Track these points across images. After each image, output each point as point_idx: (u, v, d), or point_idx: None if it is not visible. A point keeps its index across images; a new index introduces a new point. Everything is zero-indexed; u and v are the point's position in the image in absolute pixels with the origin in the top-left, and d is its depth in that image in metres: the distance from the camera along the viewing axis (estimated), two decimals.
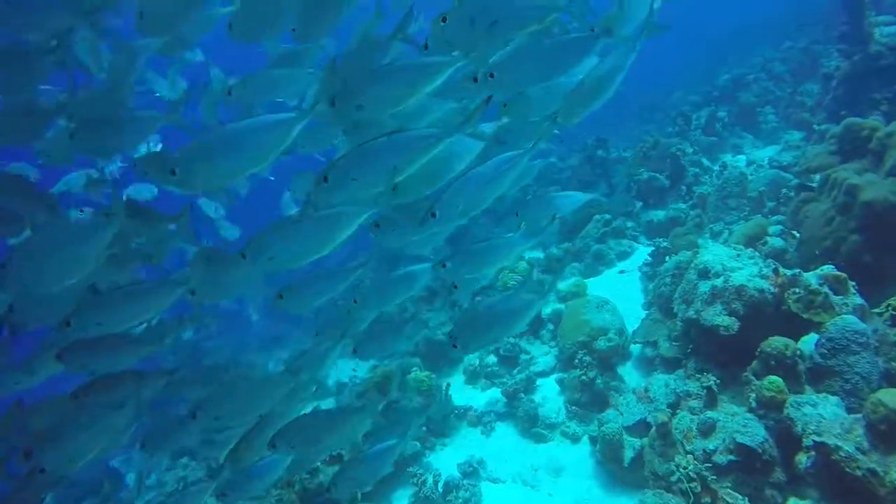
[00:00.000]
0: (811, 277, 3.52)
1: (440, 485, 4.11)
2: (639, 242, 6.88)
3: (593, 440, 4.18)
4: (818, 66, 8.24)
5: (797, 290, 3.48)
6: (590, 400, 4.61)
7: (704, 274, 4.11)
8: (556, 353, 5.36)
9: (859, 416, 2.69)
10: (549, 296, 2.48)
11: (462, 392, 5.39)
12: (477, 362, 5.62)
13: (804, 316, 3.36)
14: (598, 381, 4.60)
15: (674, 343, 4.42)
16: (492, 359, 5.54)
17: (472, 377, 5.56)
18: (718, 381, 3.55)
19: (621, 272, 6.42)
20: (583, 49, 2.16)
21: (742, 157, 7.66)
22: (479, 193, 2.23)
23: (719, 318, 3.67)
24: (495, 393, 5.11)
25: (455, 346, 2.36)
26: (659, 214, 6.91)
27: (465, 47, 2.09)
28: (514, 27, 2.12)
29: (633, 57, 2.30)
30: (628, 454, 3.84)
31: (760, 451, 2.91)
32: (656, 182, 7.32)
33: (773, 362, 3.22)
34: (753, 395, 3.18)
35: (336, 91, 2.12)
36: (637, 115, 13.82)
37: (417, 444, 4.53)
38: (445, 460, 4.55)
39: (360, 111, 2.16)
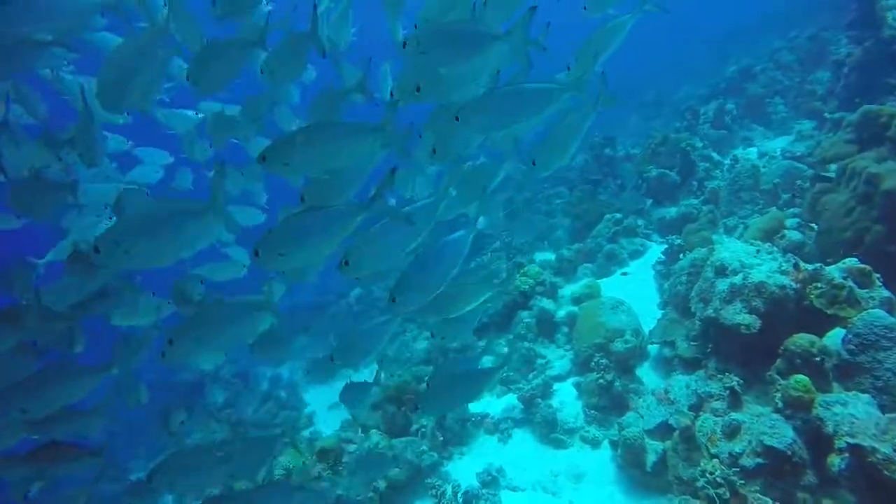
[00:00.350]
0: (834, 271, 3.41)
1: (459, 495, 4.04)
2: (651, 240, 6.77)
3: (614, 445, 4.09)
4: (827, 53, 8.08)
5: (820, 284, 3.37)
6: (608, 403, 4.52)
7: (722, 271, 4.01)
8: (572, 356, 5.27)
9: (895, 415, 2.58)
10: (474, 226, 2.43)
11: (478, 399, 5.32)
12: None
13: (828, 311, 3.26)
14: (617, 383, 4.51)
15: (692, 343, 4.32)
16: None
17: None
18: (741, 381, 3.46)
19: (624, 274, 6.32)
20: (549, 99, 2.19)
21: (753, 150, 7.53)
22: (438, 275, 2.25)
23: (739, 316, 3.57)
24: (511, 399, 5.03)
25: (394, 300, 2.25)
26: (671, 211, 6.81)
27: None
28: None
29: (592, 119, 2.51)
30: (651, 458, 3.74)
31: (789, 452, 2.81)
32: (667, 178, 7.21)
33: (798, 360, 3.12)
34: (779, 394, 3.08)
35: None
36: (643, 111, 13.69)
37: (434, 454, 4.46)
38: (464, 470, 4.48)
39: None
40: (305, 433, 5.80)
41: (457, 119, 2.14)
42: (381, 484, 4.12)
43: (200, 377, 8.18)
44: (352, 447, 4.47)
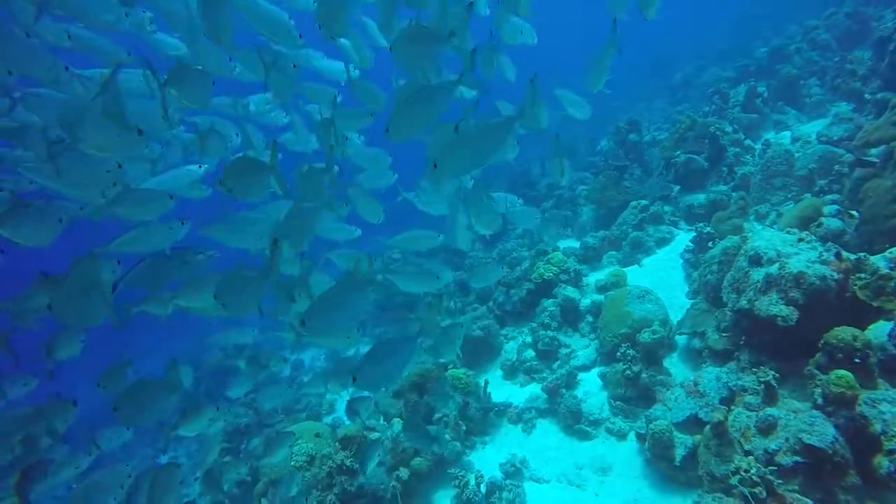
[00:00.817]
0: (879, 261, 3.25)
1: (483, 486, 4.01)
2: (679, 228, 6.59)
3: (641, 437, 4.00)
4: (868, 30, 7.70)
5: (864, 275, 3.22)
6: (635, 395, 4.43)
7: (756, 261, 3.87)
8: (597, 345, 5.18)
9: None
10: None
11: (501, 388, 5.28)
12: (515, 357, 5.48)
13: (873, 304, 3.10)
14: (644, 375, 4.41)
15: (723, 334, 4.19)
16: (530, 353, 5.40)
17: (511, 373, 5.43)
18: (776, 375, 3.33)
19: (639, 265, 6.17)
20: (506, 131, 2.29)
21: (786, 134, 7.24)
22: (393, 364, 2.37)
23: (776, 307, 3.43)
24: (535, 388, 4.97)
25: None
26: (699, 198, 6.60)
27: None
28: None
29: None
30: (679, 452, 3.65)
31: (830, 451, 2.70)
32: (694, 164, 6.99)
33: (839, 355, 2.98)
34: (819, 390, 2.95)
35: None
36: (668, 94, 13.30)
37: (458, 443, 4.43)
38: (487, 459, 4.45)
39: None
40: (328, 419, 5.82)
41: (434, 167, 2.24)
42: (404, 472, 4.11)
43: (224, 362, 8.29)
44: (374, 435, 4.46)
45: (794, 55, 8.76)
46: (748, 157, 6.90)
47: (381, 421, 4.76)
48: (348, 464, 4.08)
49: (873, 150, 4.86)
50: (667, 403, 4.02)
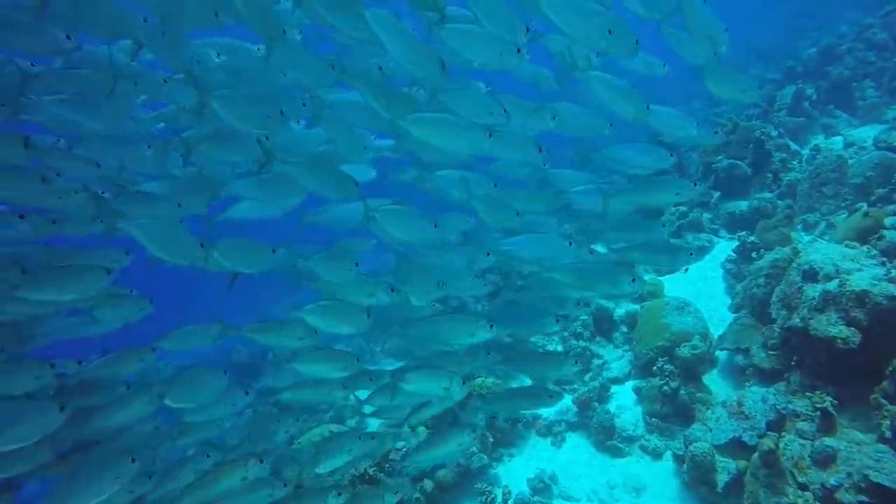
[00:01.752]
0: None
1: (510, 502, 3.85)
2: (719, 236, 6.29)
3: (678, 458, 3.78)
4: None
5: None
6: (672, 412, 4.20)
7: (811, 275, 3.60)
8: (631, 357, 4.95)
9: None
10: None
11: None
12: None
13: None
14: (682, 391, 4.17)
15: (771, 352, 3.94)
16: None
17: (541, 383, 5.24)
18: (834, 401, 3.08)
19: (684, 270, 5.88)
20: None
21: (838, 139, 6.85)
22: None
23: (835, 328, 3.18)
24: (566, 400, 4.77)
25: None
26: (741, 205, 6.29)
27: None
28: None
29: None
30: (722, 478, 3.42)
31: None
32: (737, 170, 6.66)
33: None
34: (888, 422, 2.70)
35: None
36: (705, 95, 12.83)
37: (484, 456, 4.27)
38: (514, 473, 4.27)
39: None
40: (351, 423, 5.73)
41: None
42: (429, 485, 3.97)
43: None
44: (400, 443, 4.33)
45: (845, 55, 8.31)
46: (795, 162, 6.55)
47: (406, 429, 4.63)
48: (371, 472, 3.96)
49: None
50: (707, 423, 3.79)
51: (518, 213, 2.90)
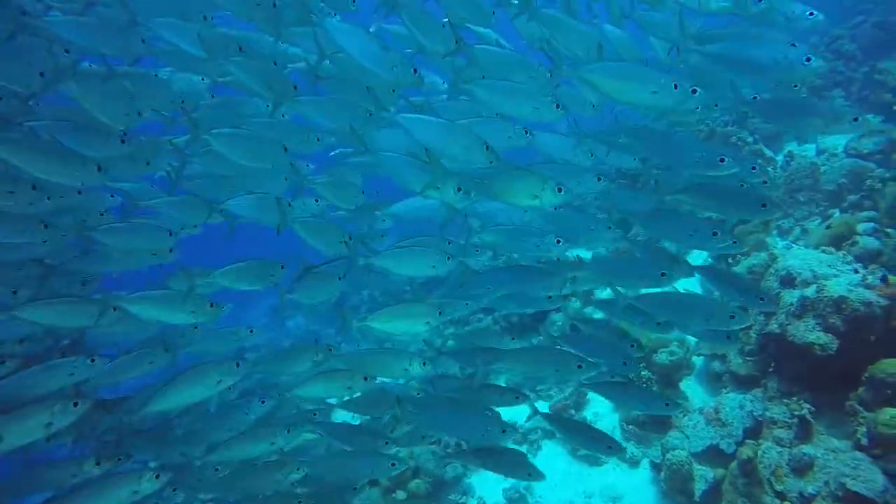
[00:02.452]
0: None
1: None
2: None
3: (655, 467, 3.72)
4: None
5: None
6: (649, 419, 4.13)
7: (789, 281, 3.58)
8: None
9: None
10: None
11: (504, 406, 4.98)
12: None
13: None
14: None
15: (748, 358, 3.90)
16: None
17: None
18: (812, 408, 3.04)
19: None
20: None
21: (811, 146, 6.93)
22: None
23: (813, 334, 3.14)
24: (542, 407, 4.67)
25: None
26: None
27: None
28: None
29: None
30: (700, 487, 3.36)
31: (881, 502, 2.40)
32: None
33: (888, 391, 2.69)
34: (864, 429, 2.66)
35: None
36: None
37: (458, 465, 4.14)
38: (489, 483, 4.15)
39: None
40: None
41: None
42: (401, 495, 3.83)
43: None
44: None
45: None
46: (770, 168, 6.60)
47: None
48: None
49: None
50: (684, 431, 3.73)
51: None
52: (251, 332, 3.19)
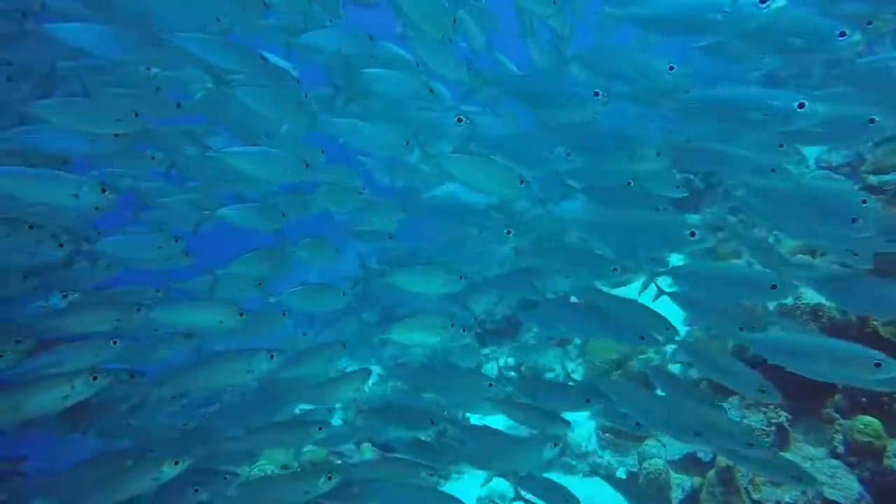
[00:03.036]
0: None
1: None
2: None
3: (633, 476, 3.66)
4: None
5: None
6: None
7: None
8: (584, 371, 4.84)
9: None
10: None
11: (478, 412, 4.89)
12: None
13: None
14: None
15: None
16: (511, 375, 5.03)
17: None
18: (789, 416, 3.03)
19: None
20: None
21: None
22: None
23: None
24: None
25: None
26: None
27: None
28: None
29: None
30: (677, 496, 3.33)
31: None
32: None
33: (863, 398, 2.69)
34: (840, 437, 2.64)
35: None
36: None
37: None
38: (463, 492, 4.03)
39: None
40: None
41: None
42: None
43: None
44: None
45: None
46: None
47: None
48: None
49: (872, 177, 4.67)
50: (661, 439, 3.71)
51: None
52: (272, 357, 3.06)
